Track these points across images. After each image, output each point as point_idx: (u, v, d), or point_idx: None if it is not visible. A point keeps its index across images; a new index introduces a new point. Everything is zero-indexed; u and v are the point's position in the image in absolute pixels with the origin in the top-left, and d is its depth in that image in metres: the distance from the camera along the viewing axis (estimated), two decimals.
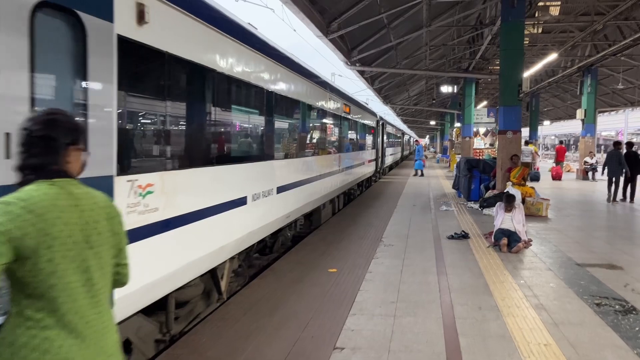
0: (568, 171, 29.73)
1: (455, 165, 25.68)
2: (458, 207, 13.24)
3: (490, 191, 12.72)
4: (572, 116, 39.92)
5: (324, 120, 11.01)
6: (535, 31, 19.92)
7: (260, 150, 6.76)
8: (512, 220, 8.44)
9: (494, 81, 32.36)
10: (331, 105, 11.53)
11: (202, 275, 5.50)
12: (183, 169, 4.61)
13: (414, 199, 15.28)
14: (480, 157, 26.76)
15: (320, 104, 10.48)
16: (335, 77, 32.59)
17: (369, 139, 19.71)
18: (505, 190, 11.90)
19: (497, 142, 30.69)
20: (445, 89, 17.34)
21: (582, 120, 23.58)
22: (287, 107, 8.18)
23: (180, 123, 4.70)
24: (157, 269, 4.20)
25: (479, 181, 14.56)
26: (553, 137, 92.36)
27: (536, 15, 17.44)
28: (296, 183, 8.53)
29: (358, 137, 16.52)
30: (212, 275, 5.98)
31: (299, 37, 19.36)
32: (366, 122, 18.19)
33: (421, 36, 17.14)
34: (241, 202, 6.01)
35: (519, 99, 12.58)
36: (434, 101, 26.73)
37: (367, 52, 14.62)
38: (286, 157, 8.10)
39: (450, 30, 18.27)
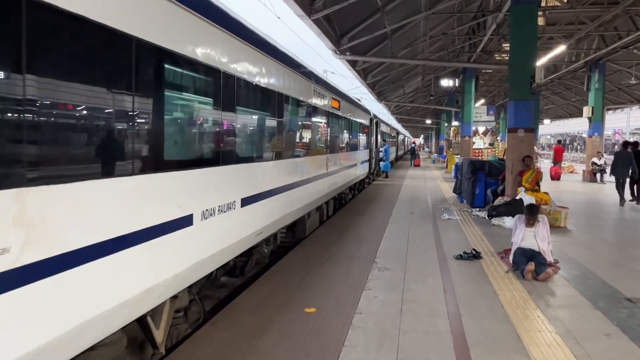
0: (571, 172, 28.37)
1: (453, 166, 24.19)
2: (462, 215, 11.66)
3: (500, 197, 11.14)
4: (574, 114, 38.69)
5: (308, 116, 9.39)
6: (540, 22, 18.42)
7: (213, 152, 5.12)
8: (535, 236, 6.86)
9: (492, 77, 30.93)
10: (317, 98, 9.92)
11: (124, 327, 3.90)
12: (68, 182, 2.98)
13: (411, 205, 13.69)
14: (480, 157, 25.30)
15: (303, 96, 8.86)
16: (327, 73, 30.99)
17: (361, 139, 18.13)
18: (517, 197, 10.35)
19: (497, 142, 29.33)
20: (446, 82, 15.72)
21: (589, 119, 22.12)
22: (257, 98, 6.56)
23: (61, 110, 3.06)
24: (11, 342, 2.59)
25: (484, 185, 13.00)
26: (549, 137, 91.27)
27: (542, 4, 15.95)
28: (270, 192, 6.90)
29: (349, 136, 14.93)
30: (144, 323, 4.38)
31: (296, 37, 17.85)
32: (359, 120, 16.60)
33: (418, 25, 15.58)
34: (183, 222, 4.38)
35: (532, 92, 11.01)
36: (431, 97, 25.13)
37: (358, 39, 12.98)
38: (255, 159, 6.46)
39: (450, 20, 16.69)
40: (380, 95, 26.19)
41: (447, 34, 16.19)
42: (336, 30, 12.57)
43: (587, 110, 22.06)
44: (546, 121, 38.29)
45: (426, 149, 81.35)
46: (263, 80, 6.49)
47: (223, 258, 5.48)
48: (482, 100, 33.37)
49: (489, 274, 6.53)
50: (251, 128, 6.74)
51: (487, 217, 10.83)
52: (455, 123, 30.06)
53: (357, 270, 6.68)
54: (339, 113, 12.55)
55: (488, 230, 9.75)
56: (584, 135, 72.76)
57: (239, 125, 5.85)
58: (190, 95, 4.80)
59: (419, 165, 35.19)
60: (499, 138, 29.69)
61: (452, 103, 31.26)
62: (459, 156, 24.57)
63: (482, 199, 12.99)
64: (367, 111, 19.59)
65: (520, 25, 11.00)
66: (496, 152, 27.21)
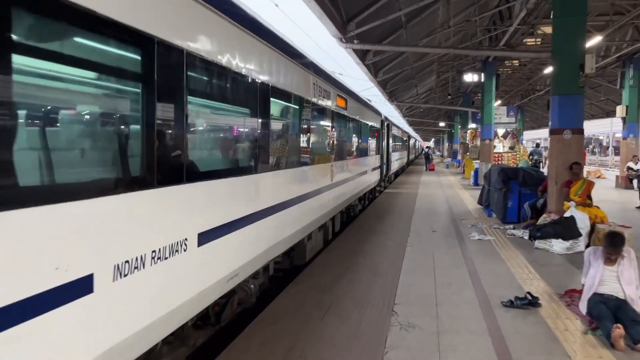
0: (598, 177, 26.26)
1: (472, 172, 22.18)
2: (495, 235, 9.69)
3: (545, 215, 9.12)
4: (597, 115, 36.59)
5: (306, 116, 7.52)
6: None
7: (141, 167, 3.24)
8: (618, 278, 4.92)
9: (511, 76, 28.81)
10: (318, 94, 8.04)
11: None
12: None
13: (431, 219, 11.76)
14: (500, 162, 23.23)
15: (299, 90, 6.98)
16: (334, 75, 29.02)
17: (372, 143, 16.23)
18: (566, 214, 8.39)
19: (517, 145, 27.21)
20: (470, 77, 13.76)
21: (624, 119, 20.05)
22: (229, 87, 4.70)
23: None
24: None
25: (517, 197, 11.02)
26: None
27: None
28: (249, 217, 5.03)
29: (358, 140, 13.05)
30: None
31: (298, 34, 16.08)
32: (369, 122, 14.70)
33: (436, 13, 13.67)
34: (70, 292, 2.53)
35: (581, 85, 9.07)
36: (449, 96, 23.11)
37: (368, 24, 11.05)
38: (224, 174, 4.58)
39: (472, 9, 14.75)
40: (391, 96, 24.21)
41: (470, 21, 14.23)
42: (342, 13, 10.65)
43: (620, 110, 19.99)
44: None
45: (437, 153, 78.93)
46: (236, 64, 4.62)
47: (165, 327, 3.60)
48: (499, 101, 31.30)
49: (559, 335, 4.58)
50: (219, 130, 4.90)
51: (528, 239, 8.86)
52: (472, 125, 28.05)
53: (369, 328, 4.77)
54: (345, 113, 10.66)
55: (532, 256, 7.79)
56: (600, 137, 70.33)
57: (193, 126, 3.99)
58: (87, 73, 2.94)
59: (433, 170, 34.30)
60: (520, 141, 27.63)
61: (468, 104, 29.27)
62: (478, 161, 22.58)
63: (515, 213, 11.02)
64: (378, 112, 17.70)
65: (566, 5, 9.04)
66: (517, 156, 25.13)
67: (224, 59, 4.29)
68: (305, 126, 7.49)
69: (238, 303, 5.87)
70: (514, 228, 10.21)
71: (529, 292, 5.53)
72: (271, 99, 5.66)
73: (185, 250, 3.68)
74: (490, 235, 9.64)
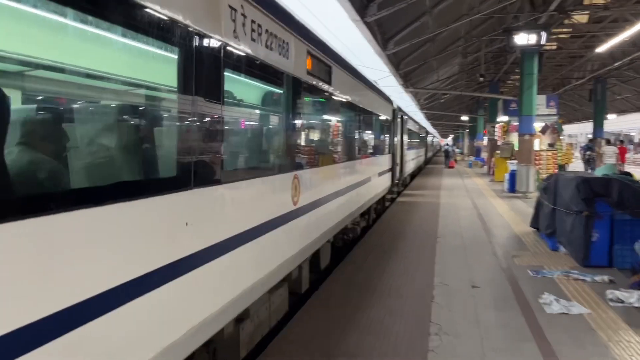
0: None
1: (507, 175, 17.84)
2: (585, 299, 5.53)
3: None
4: (626, 111, 32.60)
5: (259, 95, 3.44)
6: None
7: None
8: None
9: (548, 61, 24.07)
10: (251, 39, 3.95)
11: None
12: None
13: (464, 256, 7.66)
14: (539, 162, 18.86)
15: (193, 18, 2.90)
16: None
17: (379, 140, 12.13)
18: None
19: (559, 142, 22.75)
20: (524, 38, 9.53)
21: None
22: None
23: None
24: None
25: (609, 227, 6.81)
26: (590, 135, 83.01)
27: None
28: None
29: (357, 135, 9.00)
30: None
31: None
32: (374, 111, 10.60)
33: None
34: None
35: None
36: (481, 78, 18.75)
37: None
38: None
39: None
40: (406, 80, 19.94)
41: None
42: None
43: None
44: (611, 116, 31.13)
45: (456, 150, 74.15)
46: None
47: None
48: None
49: None
50: None
51: None
52: (502, 118, 23.65)
53: None
54: (328, 89, 6.54)
55: None
56: (632, 133, 65.17)
57: None
58: None
59: (453, 167, 32.29)
60: (562, 137, 23.30)
61: (496, 92, 25.00)
62: (514, 162, 18.26)
63: (604, 252, 6.82)
64: (388, 100, 13.52)
65: None
66: (559, 154, 20.70)
67: None
68: (223, 105, 3.39)
69: None
70: (611, 282, 6.05)
71: None
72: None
73: None
74: (580, 301, 5.47)
